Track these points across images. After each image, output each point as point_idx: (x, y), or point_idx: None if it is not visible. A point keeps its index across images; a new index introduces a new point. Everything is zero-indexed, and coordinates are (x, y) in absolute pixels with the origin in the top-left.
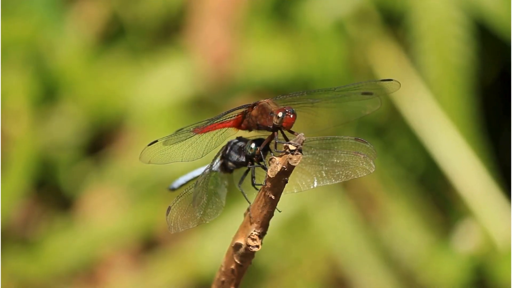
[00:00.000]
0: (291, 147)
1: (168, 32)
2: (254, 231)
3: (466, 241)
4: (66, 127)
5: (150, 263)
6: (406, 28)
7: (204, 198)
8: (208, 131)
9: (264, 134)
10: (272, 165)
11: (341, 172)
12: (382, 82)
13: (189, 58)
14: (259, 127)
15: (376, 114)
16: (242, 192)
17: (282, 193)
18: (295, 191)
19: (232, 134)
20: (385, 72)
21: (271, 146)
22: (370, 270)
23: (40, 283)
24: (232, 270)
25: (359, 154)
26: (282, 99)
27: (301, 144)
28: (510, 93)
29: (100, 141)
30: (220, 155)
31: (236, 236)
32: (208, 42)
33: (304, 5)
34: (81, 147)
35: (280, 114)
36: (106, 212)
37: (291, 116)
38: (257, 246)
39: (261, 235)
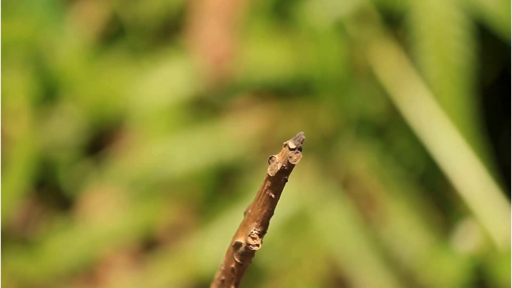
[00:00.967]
0: (291, 146)
1: (168, 32)
2: (254, 230)
3: (466, 241)
4: (66, 127)
5: (150, 263)
6: (406, 28)
7: None
8: None
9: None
10: (272, 164)
11: None
12: None
13: (189, 58)
14: None
15: (376, 114)
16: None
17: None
18: None
19: None
20: (385, 72)
21: None
22: (370, 270)
23: (40, 283)
24: (232, 269)
25: None
26: None
27: (301, 143)
28: (510, 93)
29: (100, 141)
30: None
31: (236, 235)
32: (208, 42)
33: (304, 5)
34: (81, 147)
35: None
36: (106, 212)
37: None
38: (257, 245)
39: (261, 234)
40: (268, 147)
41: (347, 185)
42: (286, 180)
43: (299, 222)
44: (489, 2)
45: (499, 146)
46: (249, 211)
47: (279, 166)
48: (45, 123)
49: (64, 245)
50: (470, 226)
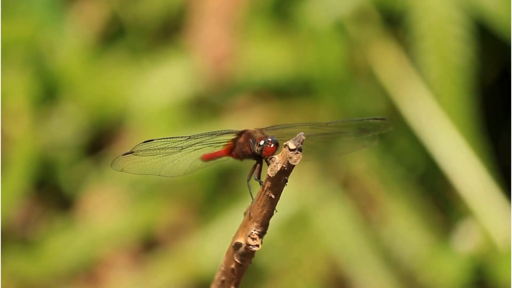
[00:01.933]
0: (291, 146)
1: (168, 32)
2: (254, 230)
3: (466, 241)
4: (66, 127)
5: (150, 263)
6: (406, 28)
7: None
8: (209, 159)
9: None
10: (272, 164)
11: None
12: (375, 120)
13: (189, 58)
14: (244, 154)
15: (376, 114)
16: (249, 187)
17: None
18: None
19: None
20: (385, 72)
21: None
22: (370, 270)
23: (40, 283)
24: (232, 269)
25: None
26: (272, 129)
27: (301, 143)
28: (510, 93)
29: (100, 141)
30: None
31: (236, 236)
32: (208, 42)
33: (304, 5)
34: (81, 147)
35: (261, 143)
36: (106, 212)
37: (272, 145)
38: (257, 246)
39: (261, 235)
40: None
41: (347, 185)
42: (286, 181)
43: (299, 222)
44: (489, 2)
45: (499, 146)
46: (249, 211)
47: (279, 167)
48: (45, 123)
49: (64, 245)
50: (470, 226)
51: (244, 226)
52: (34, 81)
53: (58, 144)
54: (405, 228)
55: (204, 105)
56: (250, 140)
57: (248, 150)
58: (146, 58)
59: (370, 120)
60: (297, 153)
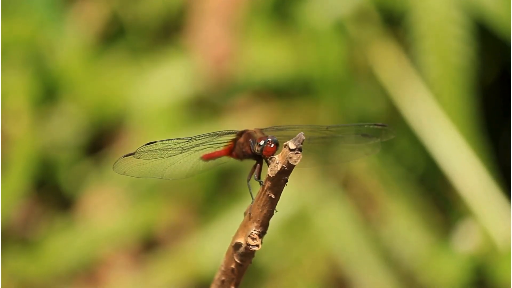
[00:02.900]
0: (291, 146)
1: (168, 32)
2: (254, 230)
3: (466, 241)
4: (66, 127)
5: (150, 263)
6: (406, 28)
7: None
8: (210, 158)
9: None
10: (272, 164)
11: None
12: (375, 126)
13: (189, 58)
14: (244, 154)
15: (376, 114)
16: (249, 187)
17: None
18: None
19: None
20: (385, 72)
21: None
22: (370, 270)
23: (40, 283)
24: (232, 269)
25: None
26: (271, 130)
27: (301, 144)
28: (510, 93)
29: (100, 141)
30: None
31: (236, 236)
32: (208, 42)
33: (304, 5)
34: (81, 147)
35: (261, 143)
36: (106, 212)
37: (272, 145)
38: (257, 246)
39: (261, 235)
40: None
41: (347, 185)
42: (286, 181)
43: (299, 222)
44: (489, 2)
45: (499, 146)
46: (249, 211)
47: (279, 167)
48: (45, 123)
49: (64, 245)
50: (470, 226)
51: (244, 226)
52: (34, 81)
53: (58, 144)
54: (405, 228)
55: (204, 105)
56: (250, 140)
57: (248, 150)
58: (146, 58)
59: (371, 126)
60: (297, 153)
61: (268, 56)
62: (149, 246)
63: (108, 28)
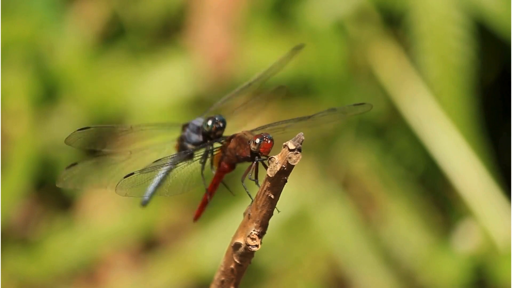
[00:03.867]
0: (291, 146)
1: (168, 32)
2: (254, 230)
3: (466, 241)
4: (66, 127)
5: (150, 263)
6: (406, 28)
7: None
8: (213, 190)
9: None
10: (272, 165)
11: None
12: (356, 106)
13: (189, 58)
14: (238, 159)
15: (376, 114)
16: (245, 188)
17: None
18: None
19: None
20: (385, 72)
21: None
22: (370, 270)
23: (40, 283)
24: (232, 269)
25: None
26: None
27: (301, 144)
28: (510, 93)
29: None
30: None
31: (235, 236)
32: (208, 42)
33: (304, 5)
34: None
35: (257, 141)
36: (106, 212)
37: (269, 142)
38: (257, 246)
39: (260, 235)
40: None
41: (347, 185)
42: (286, 181)
43: (299, 222)
44: (489, 2)
45: (499, 146)
46: (249, 212)
47: (278, 167)
48: (45, 123)
49: (64, 245)
50: (470, 226)
51: (243, 227)
52: (34, 81)
53: (58, 144)
54: (405, 228)
55: (204, 105)
56: (246, 141)
57: (243, 152)
58: (146, 58)
59: (352, 106)
60: (297, 153)
61: (268, 56)
62: (149, 246)
63: (108, 28)
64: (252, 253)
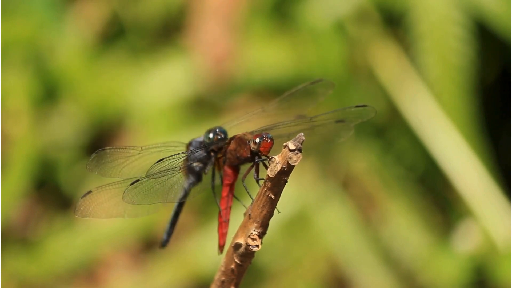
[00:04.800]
0: (291, 147)
1: (168, 32)
2: (254, 230)
3: (466, 241)
4: (66, 127)
5: (150, 263)
6: (406, 28)
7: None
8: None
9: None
10: (272, 165)
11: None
12: (357, 108)
13: (189, 58)
14: (239, 160)
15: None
16: (245, 188)
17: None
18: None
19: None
20: (385, 72)
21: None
22: (370, 270)
23: (40, 283)
24: (232, 269)
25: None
26: (259, 131)
27: (301, 144)
28: (510, 93)
29: (100, 141)
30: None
31: (236, 236)
32: (208, 42)
33: (304, 5)
34: (81, 147)
35: (257, 140)
36: None
37: (268, 141)
38: (257, 246)
39: (261, 235)
40: None
41: (347, 185)
42: (286, 181)
43: (299, 222)
44: (489, 2)
45: (499, 146)
46: (249, 212)
47: (278, 167)
48: (45, 123)
49: (64, 245)
50: (470, 226)
51: (244, 227)
52: (34, 81)
53: (58, 144)
54: (405, 228)
55: (204, 105)
56: (246, 141)
57: (244, 153)
58: (146, 58)
59: (352, 109)
60: (297, 153)
61: (268, 56)
62: (149, 246)
63: (108, 28)
64: (252, 253)
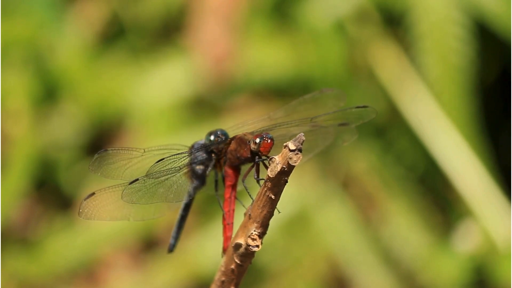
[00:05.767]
0: (291, 147)
1: (168, 32)
2: (254, 231)
3: (466, 241)
4: (66, 127)
5: (150, 263)
6: (406, 28)
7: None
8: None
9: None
10: (272, 165)
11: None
12: (358, 109)
13: (189, 58)
14: (239, 160)
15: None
16: (246, 188)
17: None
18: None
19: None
20: (385, 72)
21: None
22: (370, 270)
23: (40, 283)
24: (232, 270)
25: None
26: (259, 131)
27: (301, 144)
28: (510, 93)
29: (100, 141)
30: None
31: (236, 236)
32: (208, 42)
33: (304, 5)
34: (81, 147)
35: (257, 140)
36: None
37: (269, 141)
38: (257, 246)
39: (261, 235)
40: None
41: (347, 185)
42: (286, 181)
43: (299, 222)
44: (489, 2)
45: (499, 146)
46: (249, 212)
47: (279, 167)
48: (45, 123)
49: (64, 245)
50: (470, 226)
51: (244, 227)
52: (34, 81)
53: (58, 144)
54: (405, 228)
55: (204, 105)
56: (247, 141)
57: (244, 153)
58: (146, 58)
59: (353, 109)
60: (297, 153)
61: (268, 56)
62: (149, 246)
63: (108, 28)
64: (252, 253)
